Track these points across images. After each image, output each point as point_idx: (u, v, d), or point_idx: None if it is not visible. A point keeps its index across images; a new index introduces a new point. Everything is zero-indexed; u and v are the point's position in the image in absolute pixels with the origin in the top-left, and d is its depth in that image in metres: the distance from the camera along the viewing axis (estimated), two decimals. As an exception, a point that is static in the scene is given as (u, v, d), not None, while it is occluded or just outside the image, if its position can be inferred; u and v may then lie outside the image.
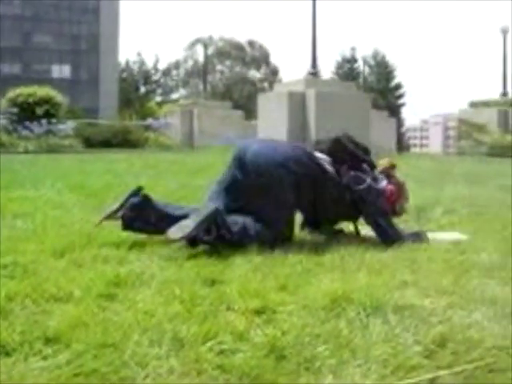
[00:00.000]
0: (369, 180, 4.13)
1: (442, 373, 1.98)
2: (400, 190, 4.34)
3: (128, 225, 3.97)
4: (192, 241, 3.74)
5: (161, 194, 6.45)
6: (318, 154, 4.15)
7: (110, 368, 1.94)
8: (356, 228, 4.42)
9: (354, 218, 4.38)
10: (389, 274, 3.19)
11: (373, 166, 4.30)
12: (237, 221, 3.86)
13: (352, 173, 4.13)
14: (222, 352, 2.08)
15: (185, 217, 3.80)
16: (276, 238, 3.85)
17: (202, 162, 12.77)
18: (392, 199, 4.26)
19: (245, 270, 3.20)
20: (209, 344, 2.13)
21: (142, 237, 4.01)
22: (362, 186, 4.09)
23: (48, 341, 2.14)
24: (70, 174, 9.20)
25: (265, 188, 3.94)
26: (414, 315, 2.52)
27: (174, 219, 3.81)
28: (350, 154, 4.21)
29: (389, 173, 4.34)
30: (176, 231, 3.65)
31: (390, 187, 4.26)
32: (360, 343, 2.18)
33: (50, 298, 2.67)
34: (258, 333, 2.25)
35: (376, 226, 4.13)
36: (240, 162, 4.03)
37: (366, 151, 4.34)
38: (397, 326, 2.38)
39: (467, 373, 1.99)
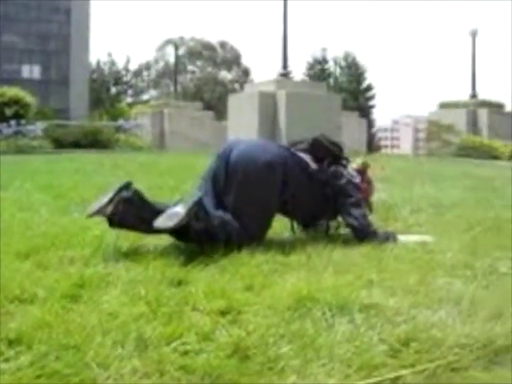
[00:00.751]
0: (347, 175, 4.29)
1: (404, 372, 1.99)
2: (370, 188, 4.56)
3: (118, 221, 3.70)
4: (179, 233, 3.65)
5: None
6: (301, 154, 4.25)
7: (71, 369, 1.92)
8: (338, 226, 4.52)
9: (334, 215, 4.44)
10: (355, 273, 3.19)
11: (347, 163, 4.44)
12: (217, 214, 3.83)
13: (332, 168, 4.26)
14: (185, 353, 2.07)
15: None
16: (253, 238, 3.82)
17: (171, 163, 12.72)
18: (364, 196, 4.42)
19: (211, 270, 3.20)
20: (173, 345, 2.12)
21: (109, 237, 3.97)
22: (341, 181, 4.23)
23: (10, 342, 2.12)
24: (39, 175, 9.09)
25: (248, 187, 3.95)
26: (379, 314, 2.53)
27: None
28: (329, 152, 4.33)
29: (364, 171, 4.54)
30: (165, 220, 3.50)
31: (363, 184, 4.43)
32: (324, 343, 2.18)
33: (13, 299, 2.63)
34: (223, 333, 2.24)
35: (352, 219, 4.19)
36: (225, 161, 4.02)
37: (341, 150, 4.46)
38: (362, 325, 2.39)
39: (429, 372, 2.00)
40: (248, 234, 3.85)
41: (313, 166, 4.24)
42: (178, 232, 3.64)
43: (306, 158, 4.26)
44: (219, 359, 2.00)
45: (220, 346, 2.12)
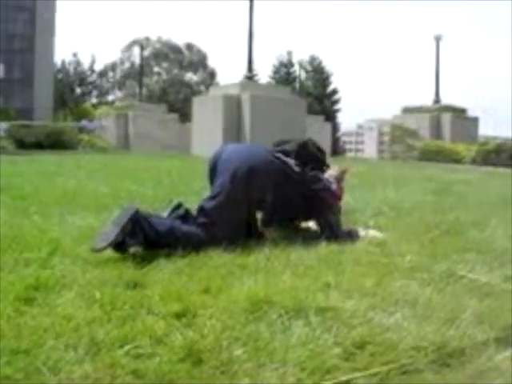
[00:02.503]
0: (325, 181, 4.46)
1: (357, 375, 1.99)
2: (342, 193, 4.71)
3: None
4: (119, 247, 3.59)
5: (91, 198, 6.39)
6: (285, 158, 4.33)
7: (21, 374, 1.89)
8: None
9: (309, 215, 4.59)
10: (313, 275, 3.20)
11: (327, 169, 4.63)
12: (163, 222, 3.82)
13: (311, 173, 4.39)
14: (138, 356, 2.05)
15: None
16: (214, 239, 3.82)
17: (134, 165, 12.66)
18: (339, 200, 4.61)
19: (168, 273, 3.17)
20: (126, 348, 2.10)
21: (66, 240, 3.93)
22: (318, 186, 4.38)
23: (-41, 347, 2.07)
24: (-1, 176, 8.97)
25: (232, 189, 4.01)
26: (335, 317, 2.53)
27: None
28: (314, 157, 4.50)
29: (341, 177, 4.72)
30: (100, 241, 3.49)
31: (339, 191, 4.61)
32: (279, 346, 2.18)
33: (-35, 302, 2.58)
34: (177, 336, 2.22)
35: (326, 223, 4.36)
36: (214, 163, 4.18)
37: (325, 155, 4.65)
38: (318, 328, 2.39)
39: (382, 375, 2.00)
40: (208, 235, 3.85)
41: (296, 169, 4.32)
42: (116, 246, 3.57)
43: (290, 161, 4.33)
44: (172, 363, 1.98)
45: (173, 349, 2.11)
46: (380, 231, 4.66)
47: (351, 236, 4.34)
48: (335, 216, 4.42)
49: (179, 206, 4.07)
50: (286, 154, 4.38)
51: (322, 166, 4.57)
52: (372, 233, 4.59)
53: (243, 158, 4.16)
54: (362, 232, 4.53)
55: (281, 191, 4.24)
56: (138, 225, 3.63)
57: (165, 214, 4.01)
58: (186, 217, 3.98)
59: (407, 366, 2.07)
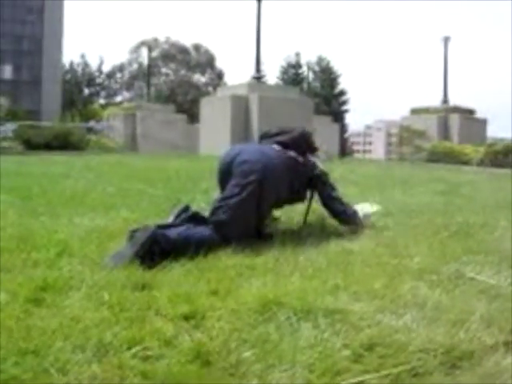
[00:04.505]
0: (321, 165, 4.68)
1: (367, 376, 1.98)
2: None
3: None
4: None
5: (99, 198, 6.40)
6: (290, 152, 4.47)
7: (29, 375, 1.89)
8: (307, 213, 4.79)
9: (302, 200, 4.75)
10: (322, 277, 3.18)
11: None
12: (179, 232, 3.81)
13: (311, 159, 4.62)
14: (146, 358, 2.05)
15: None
16: (225, 239, 3.87)
17: (142, 165, 12.67)
18: None
19: (177, 274, 3.17)
20: (134, 350, 2.09)
21: (74, 240, 3.94)
22: (318, 171, 4.62)
23: (-31, 347, 2.08)
24: (7, 176, 8.99)
25: (244, 191, 4.06)
26: (344, 319, 2.52)
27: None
28: (310, 145, 4.72)
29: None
30: (113, 260, 3.41)
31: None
32: (288, 348, 2.17)
33: (-25, 303, 2.59)
34: (186, 338, 2.22)
35: (332, 200, 4.63)
36: (227, 166, 4.24)
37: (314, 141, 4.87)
38: (326, 330, 2.38)
39: (392, 376, 1.99)
40: (220, 236, 3.90)
41: (300, 160, 4.50)
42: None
43: (293, 154, 4.47)
44: (180, 365, 1.98)
45: (182, 351, 2.10)
46: (389, 233, 4.64)
47: (355, 214, 4.72)
48: (337, 192, 4.70)
49: (186, 208, 4.11)
50: (285, 145, 4.49)
51: (315, 151, 4.78)
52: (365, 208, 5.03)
53: (257, 158, 4.21)
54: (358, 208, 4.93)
55: (291, 186, 4.40)
56: (156, 244, 3.55)
57: (171, 217, 4.04)
58: (195, 218, 4.03)
59: (417, 368, 2.06)
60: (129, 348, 2.11)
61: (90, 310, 2.53)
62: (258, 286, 2.96)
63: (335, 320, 2.51)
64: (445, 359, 2.15)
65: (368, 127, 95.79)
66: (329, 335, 2.32)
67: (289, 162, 4.40)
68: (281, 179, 4.28)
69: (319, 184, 4.62)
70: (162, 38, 71.47)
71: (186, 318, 2.47)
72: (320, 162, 4.74)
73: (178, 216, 4.03)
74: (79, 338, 2.19)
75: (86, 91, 68.35)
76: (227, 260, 3.51)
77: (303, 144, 4.62)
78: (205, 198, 5.73)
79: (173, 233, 3.76)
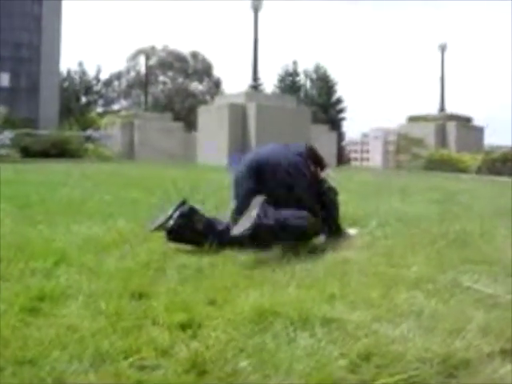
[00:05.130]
0: (328, 181, 4.83)
1: (363, 387, 1.98)
2: None
3: (176, 235, 4.17)
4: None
5: (97, 207, 6.40)
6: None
7: (26, 385, 1.89)
8: None
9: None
10: (318, 287, 3.18)
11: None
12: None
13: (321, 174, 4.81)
14: (143, 368, 2.04)
15: (227, 229, 4.16)
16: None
17: (139, 174, 12.66)
18: None
19: (173, 283, 3.17)
20: (130, 359, 2.09)
21: (72, 249, 3.94)
22: (326, 186, 4.79)
23: (-35, 358, 2.07)
24: (5, 185, 8.98)
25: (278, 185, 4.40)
26: (341, 328, 2.52)
27: (219, 228, 4.26)
28: (320, 161, 4.87)
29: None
30: (239, 228, 3.90)
31: None
32: (284, 357, 2.17)
33: (-30, 313, 2.58)
34: (182, 348, 2.22)
35: (331, 217, 4.74)
36: (254, 165, 4.48)
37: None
38: (323, 339, 2.37)
39: (388, 386, 1.99)
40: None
41: (312, 168, 4.72)
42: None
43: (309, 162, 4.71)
44: (176, 375, 1.98)
45: (178, 360, 2.10)
46: (387, 241, 4.65)
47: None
48: (337, 211, 4.81)
49: (183, 202, 4.37)
50: (299, 155, 4.67)
51: (324, 167, 4.89)
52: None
53: (280, 161, 4.49)
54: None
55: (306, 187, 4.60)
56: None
57: (169, 212, 4.24)
58: (190, 214, 4.26)
59: (413, 377, 2.06)
60: (125, 357, 2.10)
61: (86, 320, 2.53)
62: (255, 295, 2.96)
63: (332, 329, 2.50)
64: (441, 368, 2.15)
65: (365, 135, 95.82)
66: (325, 344, 2.32)
67: (308, 166, 4.61)
68: (298, 180, 4.50)
69: (326, 200, 4.73)
70: (159, 46, 71.56)
71: (183, 327, 2.46)
72: (330, 179, 4.86)
73: (175, 211, 4.24)
74: (76, 348, 2.18)
75: (84, 99, 68.38)
76: (224, 269, 3.51)
77: (311, 157, 4.76)
78: (202, 208, 5.73)
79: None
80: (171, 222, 4.14)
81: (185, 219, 4.17)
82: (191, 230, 4.17)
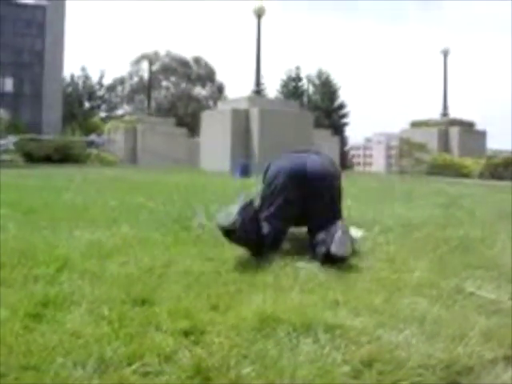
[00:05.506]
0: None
1: (366, 393, 1.99)
2: None
3: (240, 236, 4.01)
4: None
5: (100, 212, 6.40)
6: None
7: (30, 391, 1.89)
8: None
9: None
10: (321, 293, 3.18)
11: None
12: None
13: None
14: (146, 374, 2.05)
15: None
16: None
17: (142, 179, 12.67)
18: None
19: (176, 290, 3.17)
20: (134, 366, 2.09)
21: (75, 255, 3.94)
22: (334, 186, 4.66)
23: (-31, 364, 2.08)
24: (8, 190, 9.00)
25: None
26: (344, 335, 2.52)
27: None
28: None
29: None
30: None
31: None
32: (287, 364, 2.17)
33: (-25, 319, 2.59)
34: (185, 354, 2.22)
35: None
36: (301, 174, 4.39)
37: None
38: (326, 345, 2.38)
39: (391, 392, 2.00)
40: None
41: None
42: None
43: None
44: (180, 381, 1.98)
45: (181, 367, 2.10)
46: (389, 247, 4.65)
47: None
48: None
49: (251, 202, 4.21)
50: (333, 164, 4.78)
51: None
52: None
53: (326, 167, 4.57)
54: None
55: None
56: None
57: (235, 208, 4.00)
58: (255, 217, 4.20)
59: (416, 383, 2.07)
60: (129, 364, 2.11)
61: (90, 326, 2.53)
62: (258, 301, 2.96)
63: (335, 335, 2.51)
64: (444, 374, 2.15)
65: (368, 140, 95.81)
66: (328, 351, 2.32)
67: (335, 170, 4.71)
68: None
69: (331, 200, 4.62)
70: (162, 52, 71.71)
71: (186, 333, 2.47)
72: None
73: (242, 210, 4.03)
74: (80, 354, 2.19)
75: (87, 104, 68.49)
76: (227, 275, 3.51)
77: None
78: (205, 213, 5.73)
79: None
80: (238, 222, 3.91)
81: (251, 221, 4.06)
82: (254, 233, 4.09)
